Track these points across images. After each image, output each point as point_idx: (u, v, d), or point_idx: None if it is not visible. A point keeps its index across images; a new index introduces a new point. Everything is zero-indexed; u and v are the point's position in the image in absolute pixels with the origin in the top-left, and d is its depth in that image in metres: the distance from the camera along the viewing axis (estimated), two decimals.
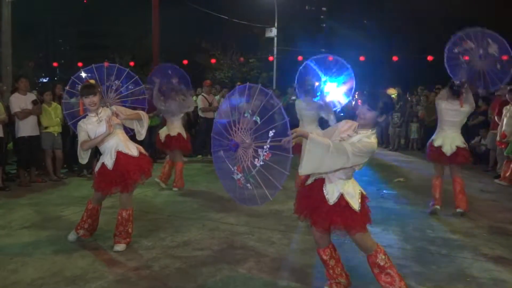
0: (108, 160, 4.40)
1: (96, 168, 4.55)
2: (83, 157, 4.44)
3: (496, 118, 8.83)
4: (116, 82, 5.16)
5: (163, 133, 7.28)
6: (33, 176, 7.76)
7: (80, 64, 25.35)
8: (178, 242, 4.72)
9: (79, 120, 4.53)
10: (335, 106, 7.04)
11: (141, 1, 20.97)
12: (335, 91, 7.48)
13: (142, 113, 4.69)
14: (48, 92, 8.12)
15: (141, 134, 4.69)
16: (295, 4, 31.86)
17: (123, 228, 4.47)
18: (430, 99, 12.13)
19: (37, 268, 4.01)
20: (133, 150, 4.49)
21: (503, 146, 8.32)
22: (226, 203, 6.17)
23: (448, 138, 5.76)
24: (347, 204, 3.19)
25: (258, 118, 3.05)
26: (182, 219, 5.59)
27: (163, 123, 8.41)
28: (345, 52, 27.17)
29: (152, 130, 8.81)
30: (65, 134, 8.16)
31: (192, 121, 11.45)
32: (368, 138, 3.13)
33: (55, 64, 31.58)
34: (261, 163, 3.02)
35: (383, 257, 3.25)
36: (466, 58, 5.69)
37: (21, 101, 7.36)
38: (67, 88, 5.22)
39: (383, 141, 13.55)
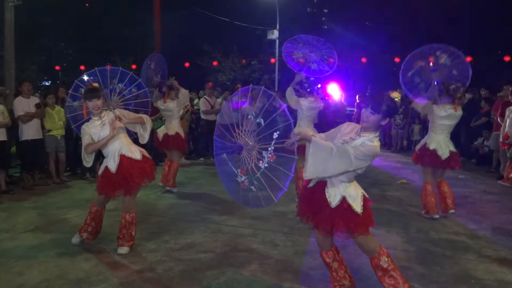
0: (111, 163, 4.42)
1: (100, 172, 4.56)
2: (88, 161, 4.46)
3: (499, 119, 8.83)
4: (120, 85, 5.17)
5: (161, 132, 7.31)
6: (37, 179, 7.78)
7: (82, 67, 25.41)
8: (182, 245, 4.73)
9: (83, 123, 4.55)
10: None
11: (143, 4, 21.05)
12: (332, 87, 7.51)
13: (145, 117, 4.70)
14: (51, 95, 8.15)
15: (144, 138, 4.70)
16: (297, 6, 31.86)
17: (126, 231, 4.48)
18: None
19: (42, 271, 4.02)
20: (136, 153, 4.51)
21: (506, 147, 8.31)
22: (229, 205, 6.17)
23: (442, 142, 5.74)
24: (349, 207, 3.18)
25: (262, 120, 3.05)
26: (185, 222, 5.60)
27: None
28: (347, 54, 27.23)
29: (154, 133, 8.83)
30: (68, 137, 8.18)
31: (194, 123, 11.44)
32: (371, 142, 3.13)
33: (57, 67, 31.61)
34: (266, 165, 3.01)
35: (387, 259, 3.25)
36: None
37: (24, 104, 7.39)
38: (70, 91, 5.24)
39: (386, 142, 13.54)
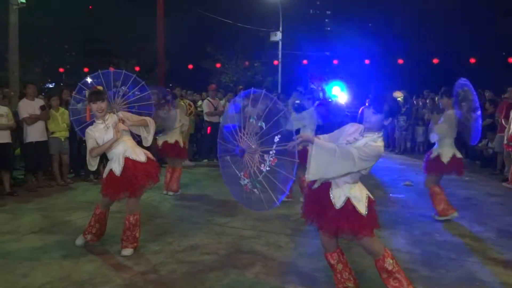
0: (116, 166, 4.42)
1: (104, 174, 4.57)
2: (93, 164, 4.46)
3: (503, 121, 8.79)
4: (123, 87, 5.18)
5: (161, 139, 7.27)
6: (41, 181, 7.80)
7: (86, 69, 25.51)
8: (185, 247, 4.73)
9: (86, 126, 4.56)
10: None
11: (146, 6, 21.10)
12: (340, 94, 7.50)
13: (149, 120, 4.70)
14: (55, 97, 8.17)
15: (148, 140, 4.71)
16: (300, 8, 31.89)
17: (130, 233, 4.49)
18: (436, 102, 12.08)
19: (46, 273, 4.03)
20: (140, 155, 4.52)
21: (510, 149, 8.27)
22: (233, 207, 6.17)
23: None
24: (353, 208, 3.17)
25: (264, 124, 3.05)
26: (189, 224, 5.60)
27: None
28: (350, 56, 27.23)
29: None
30: (72, 139, 8.20)
31: (198, 125, 11.46)
32: (374, 142, 3.11)
33: (61, 69, 31.77)
34: (267, 168, 3.02)
35: (391, 261, 3.23)
36: None
37: (29, 106, 7.41)
38: (74, 94, 5.25)
39: (389, 144, 13.51)
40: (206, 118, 10.95)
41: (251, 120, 3.11)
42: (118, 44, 27.98)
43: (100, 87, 4.66)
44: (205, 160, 10.92)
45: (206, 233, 5.20)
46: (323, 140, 3.19)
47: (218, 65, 25.80)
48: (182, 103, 8.95)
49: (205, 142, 11.20)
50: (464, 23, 27.56)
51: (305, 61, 24.98)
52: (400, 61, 23.59)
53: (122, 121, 4.46)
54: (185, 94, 12.29)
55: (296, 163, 2.94)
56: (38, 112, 7.47)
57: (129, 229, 4.48)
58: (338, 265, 3.42)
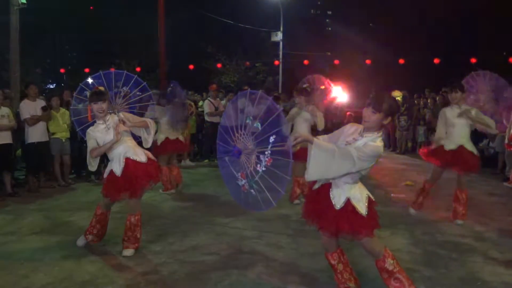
0: (116, 167, 4.43)
1: (105, 175, 4.58)
2: (93, 164, 4.47)
3: (504, 120, 8.77)
4: (124, 88, 5.19)
5: (162, 137, 7.25)
6: (42, 182, 7.81)
7: (87, 70, 25.52)
8: (187, 247, 4.73)
9: (87, 126, 4.56)
10: None
11: (147, 7, 21.12)
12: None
13: (149, 121, 4.71)
14: (56, 97, 8.18)
15: (148, 142, 4.72)
16: (301, 8, 31.90)
17: (131, 233, 4.49)
18: (438, 102, 12.08)
19: (47, 273, 4.03)
20: (141, 156, 4.53)
21: (511, 148, 8.26)
22: (234, 207, 6.15)
23: None
24: (354, 209, 3.17)
25: (259, 124, 3.06)
26: (190, 224, 5.60)
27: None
28: (351, 56, 27.22)
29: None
30: (73, 139, 8.21)
31: (199, 125, 11.47)
32: (374, 142, 3.11)
33: (62, 70, 31.82)
34: (263, 168, 3.02)
35: (392, 261, 3.23)
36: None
37: (30, 107, 7.42)
38: (75, 94, 5.26)
39: (390, 144, 13.50)
40: (207, 118, 10.95)
41: (247, 121, 3.12)
42: (119, 44, 27.98)
43: (101, 88, 4.67)
44: (206, 161, 10.93)
45: (207, 233, 5.20)
46: (323, 140, 3.19)
47: (219, 65, 25.80)
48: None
49: (206, 143, 11.21)
50: (465, 23, 27.54)
51: (306, 61, 24.98)
52: (401, 61, 23.57)
53: (123, 122, 4.47)
54: (186, 94, 12.29)
55: (291, 163, 2.92)
56: (39, 112, 7.48)
57: (130, 229, 4.49)
58: (339, 265, 3.43)
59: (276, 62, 25.58)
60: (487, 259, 4.40)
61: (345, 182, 3.20)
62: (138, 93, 5.37)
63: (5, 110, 7.16)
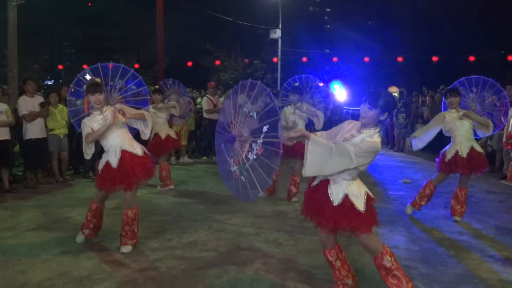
0: (112, 158, 4.41)
1: (100, 167, 4.54)
2: (88, 152, 4.43)
3: (502, 119, 8.78)
4: (120, 81, 5.17)
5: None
6: (40, 178, 7.80)
7: (85, 66, 25.45)
8: (185, 243, 4.73)
9: (82, 118, 4.54)
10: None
11: (146, 3, 21.06)
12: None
13: (147, 113, 4.71)
14: (54, 94, 8.15)
15: (145, 134, 4.72)
16: (299, 5, 31.85)
17: (129, 228, 4.48)
18: (436, 100, 12.10)
19: (45, 269, 4.03)
20: (137, 149, 4.52)
21: (509, 147, 8.28)
22: (232, 204, 6.18)
23: None
24: (352, 205, 3.16)
25: (255, 114, 3.06)
26: (188, 220, 5.60)
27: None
28: (350, 53, 27.20)
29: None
30: (71, 136, 8.19)
31: (198, 123, 11.46)
32: (371, 138, 3.11)
33: (60, 66, 31.72)
34: (254, 156, 3.01)
35: (390, 258, 3.23)
36: None
37: (28, 103, 7.39)
38: (71, 85, 5.19)
39: (388, 141, 13.51)
40: (205, 115, 10.95)
41: (244, 109, 3.12)
42: (117, 41, 27.92)
43: (98, 79, 4.65)
44: (204, 157, 10.93)
45: (205, 230, 5.20)
46: (320, 137, 3.19)
47: (217, 62, 25.75)
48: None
49: (204, 139, 11.20)
50: (463, 21, 27.54)
51: (304, 59, 24.98)
52: (400, 59, 23.59)
53: (122, 113, 4.46)
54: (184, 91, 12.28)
55: (280, 153, 2.92)
56: (37, 109, 7.46)
57: (128, 223, 4.48)
58: (337, 262, 3.43)
59: (275, 59, 25.56)
60: (485, 257, 4.41)
61: (343, 179, 3.20)
62: (133, 87, 5.35)
63: (3, 106, 7.13)
